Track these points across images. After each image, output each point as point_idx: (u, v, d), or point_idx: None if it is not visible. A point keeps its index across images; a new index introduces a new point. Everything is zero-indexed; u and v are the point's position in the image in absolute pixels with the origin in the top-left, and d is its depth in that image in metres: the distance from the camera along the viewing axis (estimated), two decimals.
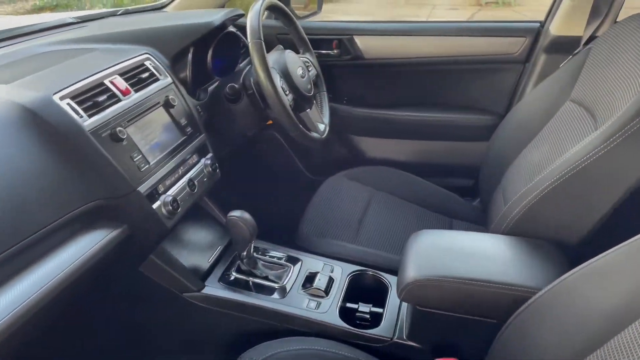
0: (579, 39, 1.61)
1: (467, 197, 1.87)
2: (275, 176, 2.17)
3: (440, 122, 1.97)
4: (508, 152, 1.52)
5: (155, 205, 1.12)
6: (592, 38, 1.55)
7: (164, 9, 1.82)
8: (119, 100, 1.12)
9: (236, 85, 1.40)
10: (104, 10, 1.80)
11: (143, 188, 1.08)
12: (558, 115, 1.39)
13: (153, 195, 1.12)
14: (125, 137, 1.06)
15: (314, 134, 1.49)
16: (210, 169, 1.34)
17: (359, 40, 1.90)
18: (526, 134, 1.47)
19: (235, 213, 1.22)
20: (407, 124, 1.99)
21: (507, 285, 1.02)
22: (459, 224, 1.62)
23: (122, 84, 1.16)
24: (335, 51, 1.92)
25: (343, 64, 1.96)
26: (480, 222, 1.65)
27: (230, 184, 1.52)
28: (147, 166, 1.11)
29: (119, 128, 1.06)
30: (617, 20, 1.55)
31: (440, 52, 1.87)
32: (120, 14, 1.72)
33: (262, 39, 1.29)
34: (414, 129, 2.00)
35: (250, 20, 1.30)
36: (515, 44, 1.81)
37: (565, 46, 1.68)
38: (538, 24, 1.82)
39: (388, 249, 1.46)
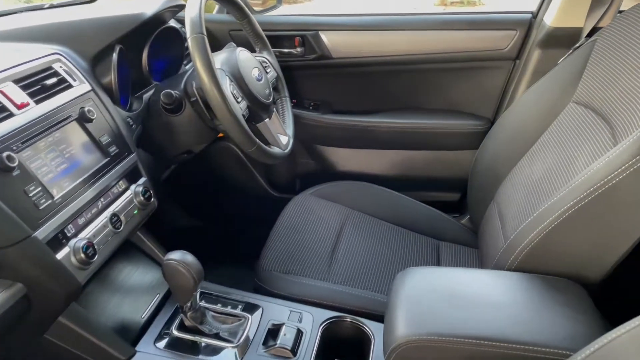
0: (579, 30, 1.41)
1: (454, 214, 1.64)
2: (232, 196, 1.89)
3: (421, 129, 1.74)
4: (500, 163, 1.31)
5: (60, 255, 0.85)
6: (595, 29, 1.35)
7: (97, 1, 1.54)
8: (11, 115, 0.86)
9: (174, 93, 1.13)
10: (29, 5, 1.51)
11: (42, 233, 0.83)
12: (560, 120, 1.19)
13: (58, 240, 0.85)
14: (16, 165, 0.81)
15: (275, 149, 1.23)
16: (143, 198, 1.07)
17: (325, 37, 1.66)
18: (521, 143, 1.27)
19: (174, 255, 0.94)
20: (383, 132, 1.76)
21: (529, 345, 0.79)
22: (449, 248, 1.39)
23: (16, 93, 0.89)
24: (298, 49, 1.67)
25: (308, 64, 1.72)
26: (471, 243, 1.43)
27: (173, 212, 1.25)
28: (48, 202, 0.85)
29: (7, 153, 0.80)
30: (622, 9, 1.35)
31: (419, 49, 1.65)
32: (47, 8, 1.43)
33: (205, 33, 1.02)
34: (391, 138, 1.77)
35: (189, 11, 1.04)
36: (504, 38, 1.59)
37: (563, 40, 1.47)
38: (530, 15, 1.60)
39: (369, 286, 1.21)
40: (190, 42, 1.01)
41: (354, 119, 1.77)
